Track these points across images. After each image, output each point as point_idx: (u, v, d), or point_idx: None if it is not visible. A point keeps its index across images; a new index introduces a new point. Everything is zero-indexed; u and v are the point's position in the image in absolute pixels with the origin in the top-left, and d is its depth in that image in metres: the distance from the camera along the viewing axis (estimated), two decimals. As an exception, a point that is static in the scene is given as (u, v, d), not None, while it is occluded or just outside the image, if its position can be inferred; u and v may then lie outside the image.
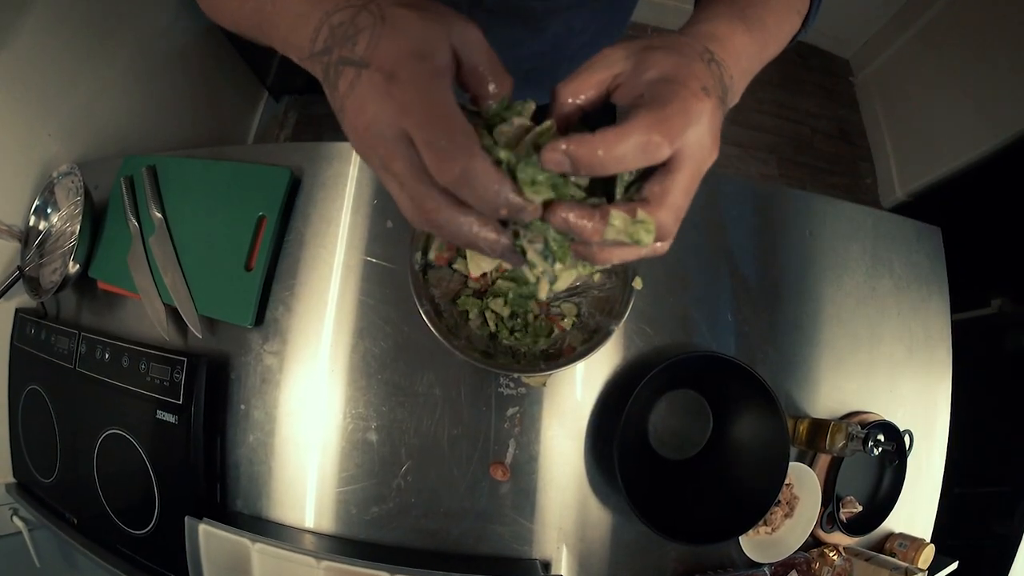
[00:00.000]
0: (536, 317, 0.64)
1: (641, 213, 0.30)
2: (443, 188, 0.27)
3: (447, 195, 0.28)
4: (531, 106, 0.33)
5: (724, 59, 0.33)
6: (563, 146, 0.27)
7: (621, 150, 0.27)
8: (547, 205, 0.29)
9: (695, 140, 0.29)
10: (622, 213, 0.29)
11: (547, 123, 0.31)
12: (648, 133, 0.27)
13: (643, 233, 0.30)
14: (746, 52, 0.36)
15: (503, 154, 0.29)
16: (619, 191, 0.32)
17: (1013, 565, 1.00)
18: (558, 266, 0.33)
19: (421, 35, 0.28)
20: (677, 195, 0.30)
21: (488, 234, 0.29)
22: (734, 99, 0.35)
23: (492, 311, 0.62)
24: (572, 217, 0.29)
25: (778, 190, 0.85)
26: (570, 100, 0.32)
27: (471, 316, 0.62)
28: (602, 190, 0.32)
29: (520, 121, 0.31)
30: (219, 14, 0.40)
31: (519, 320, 0.63)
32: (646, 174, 0.31)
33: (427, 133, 0.26)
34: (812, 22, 0.47)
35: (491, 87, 0.32)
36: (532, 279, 0.35)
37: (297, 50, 0.32)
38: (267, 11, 0.34)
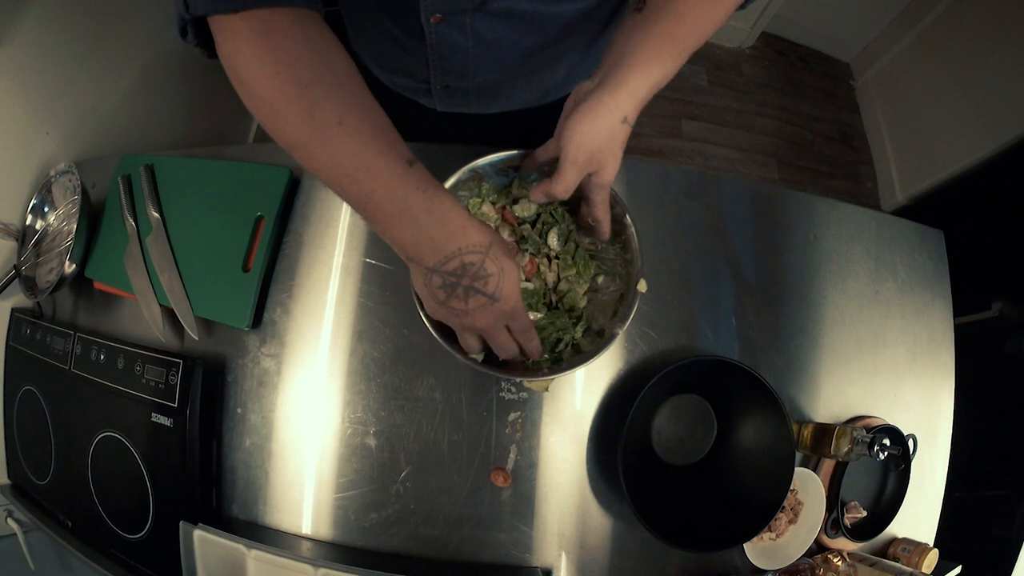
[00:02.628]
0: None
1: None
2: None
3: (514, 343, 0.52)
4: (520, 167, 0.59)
5: (635, 108, 0.47)
6: (540, 189, 0.52)
7: (564, 185, 0.51)
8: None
9: (610, 167, 0.50)
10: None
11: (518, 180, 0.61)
12: (579, 175, 0.49)
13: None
14: (661, 77, 0.47)
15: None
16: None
17: (1015, 569, 0.99)
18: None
19: (519, 282, 0.47)
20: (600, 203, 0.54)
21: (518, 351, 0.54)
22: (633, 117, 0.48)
23: None
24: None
25: (780, 193, 0.85)
26: (541, 162, 0.55)
27: None
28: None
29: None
30: (296, 152, 0.43)
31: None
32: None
33: (524, 329, 0.51)
34: None
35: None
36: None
37: (415, 256, 0.44)
38: (388, 209, 0.42)
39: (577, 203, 0.59)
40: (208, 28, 0.43)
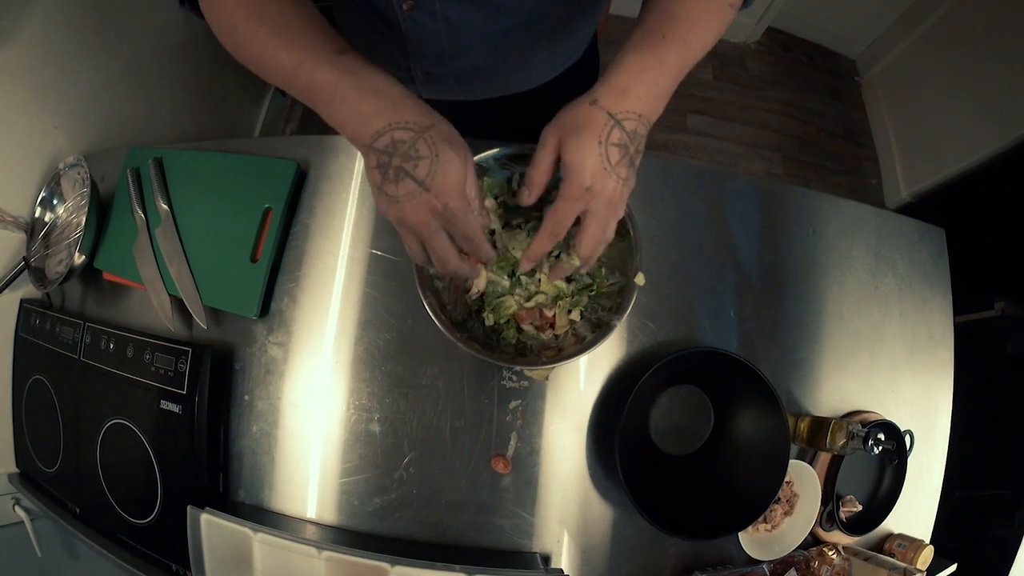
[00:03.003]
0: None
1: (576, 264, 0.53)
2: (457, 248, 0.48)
3: (456, 250, 0.48)
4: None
5: (628, 109, 0.44)
6: (526, 265, 0.53)
7: (544, 249, 0.50)
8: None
9: (594, 208, 0.47)
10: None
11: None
12: (549, 240, 0.49)
13: (575, 261, 0.52)
14: (658, 83, 0.46)
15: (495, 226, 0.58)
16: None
17: (1012, 569, 1.00)
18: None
19: (461, 178, 0.43)
20: (588, 241, 0.49)
21: (464, 266, 0.50)
22: (651, 121, 0.46)
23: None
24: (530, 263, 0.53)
25: (782, 188, 0.85)
26: (540, 182, 0.49)
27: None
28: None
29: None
30: (253, 65, 0.48)
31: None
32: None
33: (466, 235, 0.46)
34: None
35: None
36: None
37: (352, 135, 0.43)
38: (324, 96, 0.43)
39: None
40: None
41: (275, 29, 0.45)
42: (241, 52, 0.48)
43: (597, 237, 0.48)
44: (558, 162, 0.47)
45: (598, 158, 0.44)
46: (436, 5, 0.57)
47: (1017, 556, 1.02)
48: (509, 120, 0.75)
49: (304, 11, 0.47)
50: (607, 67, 0.47)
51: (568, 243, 0.54)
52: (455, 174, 0.43)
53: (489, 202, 0.60)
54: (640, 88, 0.45)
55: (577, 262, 0.51)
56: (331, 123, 0.45)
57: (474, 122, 0.76)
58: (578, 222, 0.48)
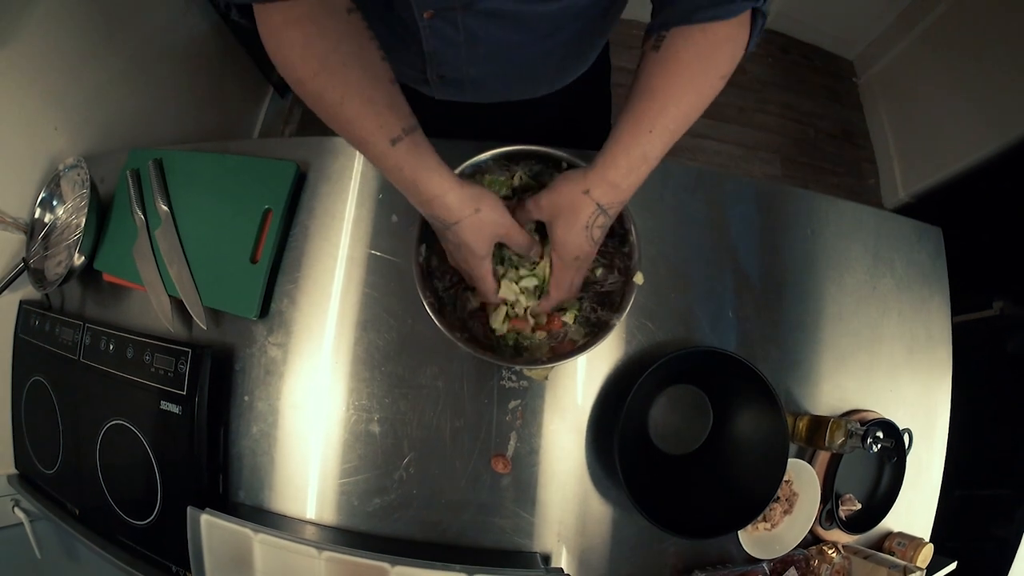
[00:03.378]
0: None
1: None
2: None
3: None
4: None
5: (614, 201, 0.52)
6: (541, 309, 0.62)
7: (554, 305, 0.61)
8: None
9: (579, 269, 0.58)
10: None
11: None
12: (557, 300, 0.60)
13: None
14: (644, 173, 0.51)
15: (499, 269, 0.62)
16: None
17: (1012, 568, 1.00)
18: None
19: (486, 237, 0.54)
20: (573, 288, 0.60)
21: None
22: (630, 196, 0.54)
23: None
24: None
25: (780, 189, 0.85)
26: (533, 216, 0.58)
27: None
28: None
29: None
30: (356, 146, 0.52)
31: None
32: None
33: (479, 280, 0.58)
34: (752, 45, 0.52)
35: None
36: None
37: (411, 198, 0.53)
38: (422, 192, 0.51)
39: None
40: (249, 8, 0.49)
41: (340, 94, 0.48)
42: (307, 101, 0.51)
43: (578, 288, 0.61)
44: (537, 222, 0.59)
45: (585, 239, 0.53)
46: (457, 16, 0.57)
47: (1017, 555, 1.02)
48: (515, 121, 0.76)
49: (368, 77, 0.49)
50: (601, 152, 0.52)
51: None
52: (475, 251, 0.55)
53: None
54: (628, 182, 0.51)
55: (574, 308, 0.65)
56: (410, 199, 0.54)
57: (480, 122, 0.77)
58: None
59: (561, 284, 0.58)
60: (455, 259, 0.58)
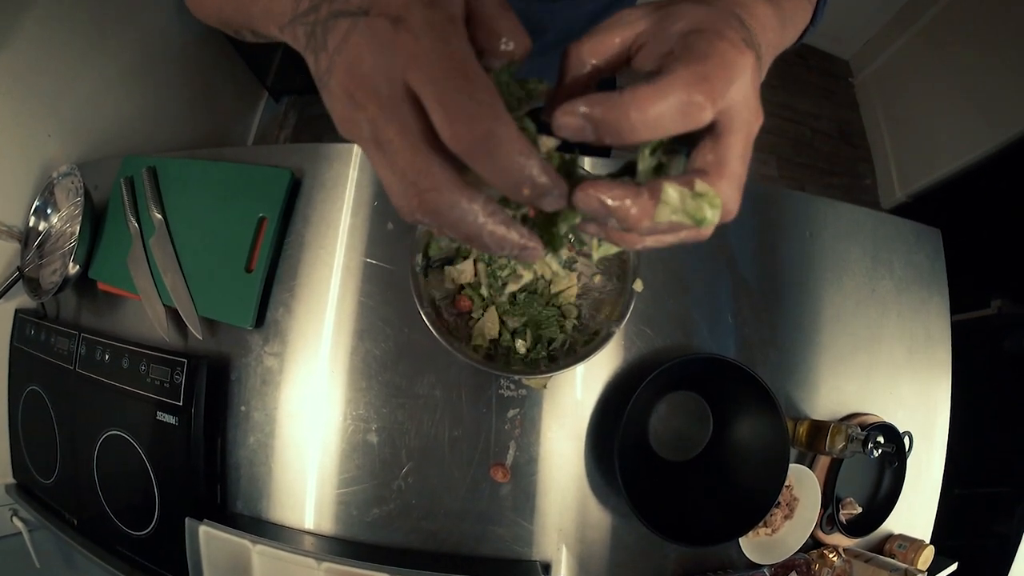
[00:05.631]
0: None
1: (701, 185, 0.25)
2: (445, 163, 0.22)
3: (450, 171, 0.23)
4: (543, 86, 0.28)
5: (753, 25, 0.29)
6: (582, 108, 0.23)
7: (656, 111, 0.23)
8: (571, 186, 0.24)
9: (741, 99, 0.25)
10: (678, 187, 0.24)
11: (537, 83, 0.27)
12: (689, 91, 0.23)
13: (707, 209, 0.25)
14: (771, 25, 0.32)
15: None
16: (642, 169, 0.27)
17: (1012, 566, 1.00)
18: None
19: (445, 14, 0.23)
20: (735, 163, 0.26)
21: (497, 227, 0.23)
22: (762, 73, 0.30)
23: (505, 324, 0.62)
24: (611, 199, 0.24)
25: (778, 191, 0.85)
26: (589, 61, 0.29)
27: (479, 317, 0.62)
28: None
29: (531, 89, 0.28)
30: (202, 8, 0.41)
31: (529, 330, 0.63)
32: (674, 149, 0.27)
33: (443, 88, 0.21)
34: (820, 18, 0.46)
35: (503, 44, 0.26)
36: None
37: (278, 16, 0.28)
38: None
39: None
40: None
41: None
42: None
43: (745, 157, 0.28)
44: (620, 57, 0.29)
45: (754, 68, 0.26)
46: None
47: (1018, 553, 1.02)
48: None
49: None
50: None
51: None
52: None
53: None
54: (767, 18, 0.31)
55: (611, 250, 0.32)
56: (261, 27, 0.32)
57: None
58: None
59: (732, 160, 0.26)
60: (339, 114, 0.25)
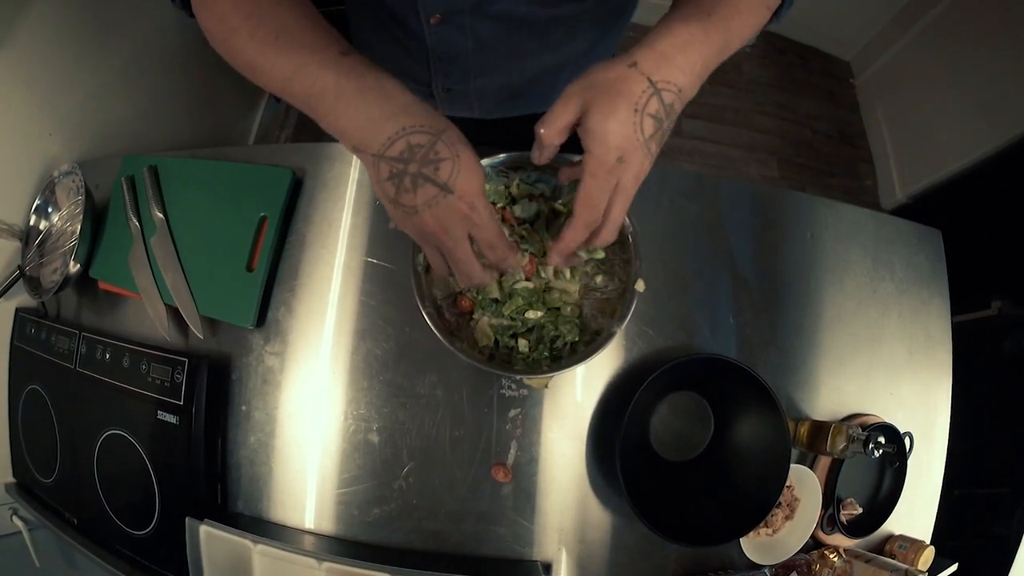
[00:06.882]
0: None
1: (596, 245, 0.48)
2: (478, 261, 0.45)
3: (478, 264, 0.45)
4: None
5: (669, 79, 0.40)
6: (557, 259, 0.49)
7: (576, 241, 0.45)
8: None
9: (623, 184, 0.42)
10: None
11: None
12: (584, 229, 0.44)
13: (599, 252, 0.58)
14: (700, 60, 0.41)
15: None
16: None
17: (1013, 566, 1.00)
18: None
19: (482, 178, 0.42)
20: (614, 221, 0.45)
21: (488, 279, 0.48)
22: (687, 98, 0.42)
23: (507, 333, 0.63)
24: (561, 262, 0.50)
25: (779, 192, 0.85)
26: (552, 143, 0.45)
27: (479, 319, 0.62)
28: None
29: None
30: (248, 71, 0.45)
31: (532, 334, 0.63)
32: None
33: (492, 242, 0.44)
34: (785, 12, 0.49)
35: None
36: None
37: (359, 143, 0.40)
38: (326, 101, 0.40)
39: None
40: None
41: (273, 31, 0.42)
42: (236, 57, 0.45)
43: (621, 220, 0.44)
44: (571, 128, 0.43)
45: (632, 127, 0.39)
46: (466, 21, 0.55)
47: (1018, 553, 1.02)
48: (522, 138, 0.75)
49: (305, 12, 0.44)
50: (647, 35, 0.42)
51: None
52: (477, 174, 0.41)
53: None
54: (683, 59, 0.40)
55: (600, 254, 0.54)
56: (333, 131, 0.42)
57: (486, 140, 0.76)
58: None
59: (592, 202, 0.42)
60: (420, 230, 0.42)
